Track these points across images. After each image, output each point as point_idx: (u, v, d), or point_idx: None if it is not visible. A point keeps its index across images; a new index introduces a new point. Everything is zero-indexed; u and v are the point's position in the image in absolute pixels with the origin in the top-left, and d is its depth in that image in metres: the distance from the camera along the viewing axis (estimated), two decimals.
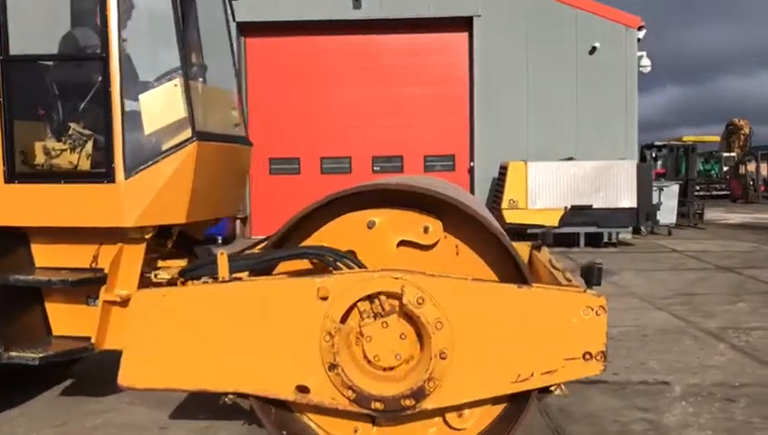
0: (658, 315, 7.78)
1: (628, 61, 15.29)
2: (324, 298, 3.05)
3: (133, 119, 4.14)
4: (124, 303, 4.01)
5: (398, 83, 15.95)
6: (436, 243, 3.28)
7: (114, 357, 3.46)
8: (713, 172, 39.29)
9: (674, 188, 16.28)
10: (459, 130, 16.09)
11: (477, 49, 15.49)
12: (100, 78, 4.11)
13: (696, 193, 36.47)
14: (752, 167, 34.55)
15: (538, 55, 15.34)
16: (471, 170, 16.02)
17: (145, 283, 4.13)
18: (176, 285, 3.66)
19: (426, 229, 3.22)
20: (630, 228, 14.83)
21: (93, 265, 4.25)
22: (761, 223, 19.87)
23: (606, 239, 13.99)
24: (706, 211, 20.31)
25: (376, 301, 3.08)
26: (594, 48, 15.20)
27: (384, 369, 3.12)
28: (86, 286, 4.22)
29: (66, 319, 4.42)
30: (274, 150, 15.99)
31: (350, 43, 16.08)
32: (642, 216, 13.86)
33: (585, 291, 3.02)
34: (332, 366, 3.06)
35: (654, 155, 18.87)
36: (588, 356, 2.92)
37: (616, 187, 13.64)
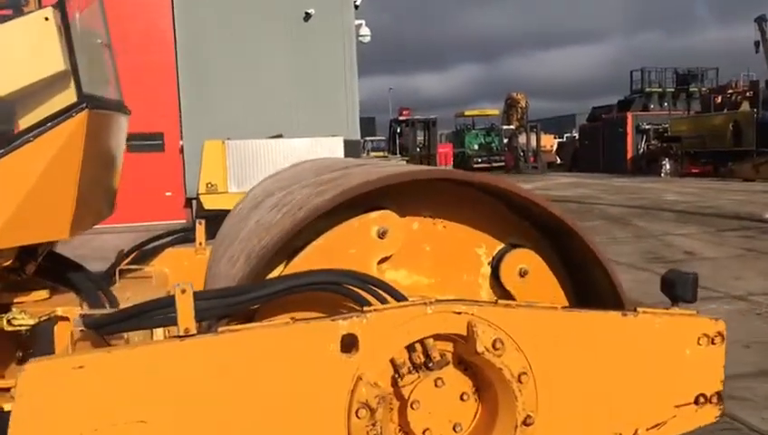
0: None
1: (345, 29, 14.28)
2: (350, 350, 1.97)
3: None
4: None
5: None
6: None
7: None
8: (493, 145, 41.07)
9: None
10: (168, 104, 14.28)
11: (179, 8, 13.74)
12: None
13: (476, 165, 38.34)
14: (524, 139, 36.19)
15: (249, 22, 13.86)
16: (182, 150, 14.30)
17: None
18: (87, 346, 2.19)
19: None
20: None
21: None
22: None
23: None
24: None
25: (417, 347, 2.09)
26: (308, 14, 14.00)
27: None
28: None
29: None
30: None
31: None
32: None
33: (697, 313, 2.33)
34: None
35: (399, 130, 18.34)
36: (701, 400, 2.31)
37: None
